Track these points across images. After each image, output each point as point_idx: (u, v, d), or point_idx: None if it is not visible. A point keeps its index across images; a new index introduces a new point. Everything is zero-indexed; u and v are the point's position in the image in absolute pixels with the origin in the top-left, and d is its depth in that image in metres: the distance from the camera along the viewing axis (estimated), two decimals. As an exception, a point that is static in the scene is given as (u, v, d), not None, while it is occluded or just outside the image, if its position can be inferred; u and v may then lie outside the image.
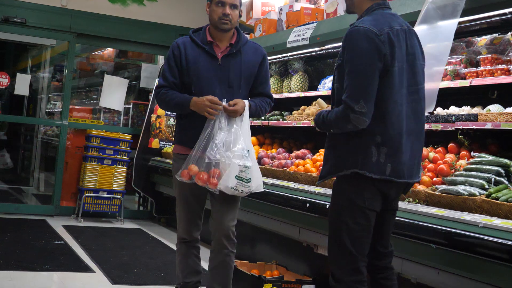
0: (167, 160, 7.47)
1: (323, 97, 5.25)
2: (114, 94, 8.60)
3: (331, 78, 5.31)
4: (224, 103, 3.57)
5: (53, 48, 9.82)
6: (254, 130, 6.48)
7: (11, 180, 10.72)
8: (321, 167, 3.12)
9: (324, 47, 5.14)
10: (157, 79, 7.88)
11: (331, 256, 2.97)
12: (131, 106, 8.92)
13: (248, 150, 3.54)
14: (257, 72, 3.80)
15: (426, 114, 3.63)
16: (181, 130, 3.84)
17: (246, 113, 3.63)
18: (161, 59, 9.12)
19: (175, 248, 3.97)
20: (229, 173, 3.47)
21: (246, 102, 3.65)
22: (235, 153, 3.50)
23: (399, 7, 4.02)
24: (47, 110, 10.20)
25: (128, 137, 8.05)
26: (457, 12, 3.36)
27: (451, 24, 3.37)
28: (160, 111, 8.00)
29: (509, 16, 3.36)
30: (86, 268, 5.33)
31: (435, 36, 3.55)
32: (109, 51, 9.90)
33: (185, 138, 3.77)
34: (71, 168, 8.25)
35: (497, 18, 3.47)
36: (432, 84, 3.61)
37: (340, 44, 4.82)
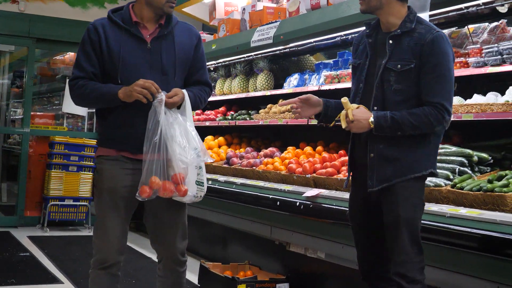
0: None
1: (288, 95, 5.37)
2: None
3: (296, 75, 5.45)
4: (161, 95, 3.04)
5: (12, 54, 9.74)
6: (222, 130, 6.61)
7: (-30, 192, 10.60)
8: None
9: (288, 46, 5.25)
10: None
11: (407, 257, 2.84)
12: (94, 111, 8.87)
13: (197, 148, 3.08)
14: (193, 56, 3.30)
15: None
16: (107, 128, 3.22)
17: (188, 105, 3.15)
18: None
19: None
20: (189, 179, 3.06)
21: (185, 92, 3.15)
22: (190, 153, 3.04)
23: None
24: (7, 117, 10.10)
25: (93, 142, 8.02)
26: (426, 7, 3.50)
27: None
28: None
29: (465, 10, 3.52)
30: (53, 280, 5.29)
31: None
32: (70, 55, 9.86)
33: (116, 139, 3.17)
34: (34, 176, 8.21)
35: (454, 13, 3.63)
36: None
37: (304, 42, 5.06)
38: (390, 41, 2.92)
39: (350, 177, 3.16)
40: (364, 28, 3.12)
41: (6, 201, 9.54)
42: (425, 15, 3.35)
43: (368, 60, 3.01)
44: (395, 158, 2.90)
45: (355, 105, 2.88)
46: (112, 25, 3.22)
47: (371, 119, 2.84)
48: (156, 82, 3.04)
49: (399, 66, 2.87)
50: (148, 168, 2.97)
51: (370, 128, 2.85)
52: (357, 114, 2.85)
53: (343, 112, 2.89)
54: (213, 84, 6.90)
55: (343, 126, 2.89)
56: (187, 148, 3.01)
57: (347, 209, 3.23)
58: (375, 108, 2.92)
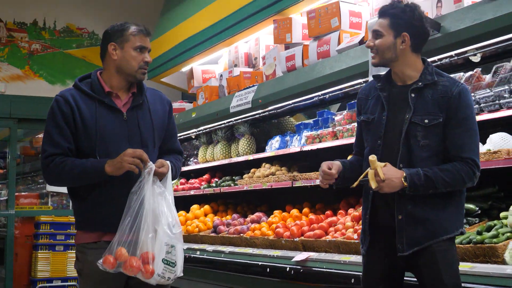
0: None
1: (271, 158, 5.34)
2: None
3: (277, 138, 5.42)
4: (151, 164, 2.89)
5: (-7, 135, 9.73)
6: (207, 198, 6.52)
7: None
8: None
9: (267, 109, 5.24)
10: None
11: None
12: (67, 190, 8.75)
13: (174, 224, 2.87)
14: (167, 124, 3.18)
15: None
16: (87, 208, 2.99)
17: (170, 176, 2.99)
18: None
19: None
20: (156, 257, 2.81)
21: (168, 162, 3.01)
22: (163, 228, 2.83)
23: (350, 60, 4.12)
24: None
25: None
26: None
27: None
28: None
29: (438, 63, 3.52)
30: None
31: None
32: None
33: (98, 220, 2.95)
34: (21, 258, 8.01)
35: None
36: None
37: (282, 104, 5.05)
38: (412, 95, 2.79)
39: (367, 242, 2.90)
40: (364, 80, 3.08)
41: (-7, 286, 9.34)
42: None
43: (386, 115, 2.84)
44: (425, 219, 2.74)
45: (381, 163, 2.67)
46: (82, 95, 3.02)
47: (404, 177, 2.67)
48: None
49: (426, 120, 2.74)
50: (119, 238, 2.75)
51: (402, 187, 2.67)
52: (388, 173, 2.67)
53: (371, 171, 2.67)
54: (195, 152, 6.88)
55: (373, 187, 2.67)
56: (169, 223, 2.83)
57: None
58: (401, 165, 2.75)
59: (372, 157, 2.66)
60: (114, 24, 3.11)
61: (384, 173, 2.63)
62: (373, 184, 2.66)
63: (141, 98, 3.06)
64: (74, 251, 7.82)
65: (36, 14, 8.51)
